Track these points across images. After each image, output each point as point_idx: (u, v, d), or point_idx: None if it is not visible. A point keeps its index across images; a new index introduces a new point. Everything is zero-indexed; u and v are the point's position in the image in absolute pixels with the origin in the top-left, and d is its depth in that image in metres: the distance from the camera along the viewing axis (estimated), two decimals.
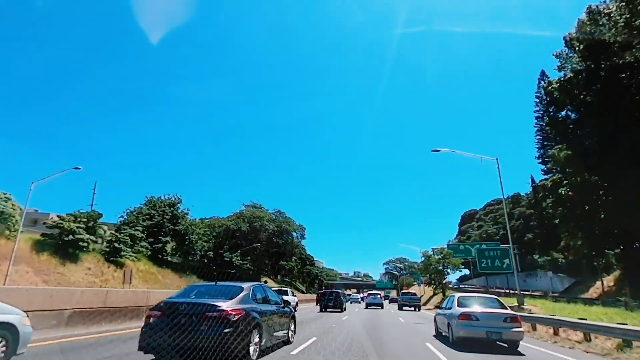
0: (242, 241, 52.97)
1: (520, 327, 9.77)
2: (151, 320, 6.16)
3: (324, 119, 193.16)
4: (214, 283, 7.80)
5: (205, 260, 46.83)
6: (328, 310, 25.73)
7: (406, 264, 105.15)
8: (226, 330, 5.89)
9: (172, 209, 42.40)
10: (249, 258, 50.80)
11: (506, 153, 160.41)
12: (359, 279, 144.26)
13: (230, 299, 6.61)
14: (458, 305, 10.68)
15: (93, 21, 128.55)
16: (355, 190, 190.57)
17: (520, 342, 9.97)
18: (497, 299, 11.28)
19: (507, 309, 10.47)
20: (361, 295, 73.57)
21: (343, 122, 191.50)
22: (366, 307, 35.58)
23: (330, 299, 26.59)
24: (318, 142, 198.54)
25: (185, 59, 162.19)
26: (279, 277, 67.66)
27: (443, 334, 12.07)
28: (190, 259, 45.98)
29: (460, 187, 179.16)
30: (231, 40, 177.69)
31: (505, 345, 10.08)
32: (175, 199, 44.21)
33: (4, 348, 5.42)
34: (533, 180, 66.51)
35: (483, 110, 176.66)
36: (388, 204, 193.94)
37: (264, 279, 54.52)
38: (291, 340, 9.19)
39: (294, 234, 66.43)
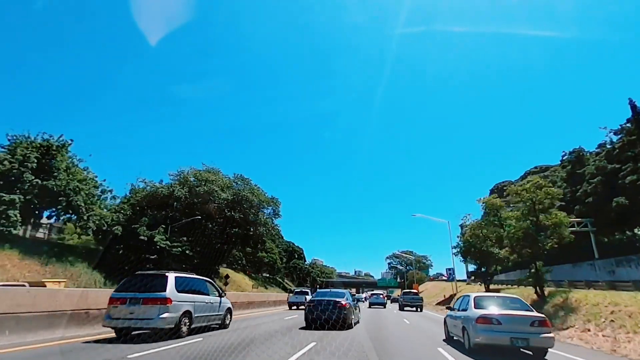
0: (181, 215, 35.45)
1: (550, 332, 8.32)
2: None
3: (323, 119, 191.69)
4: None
5: (113, 239, 30.43)
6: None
7: (412, 256, 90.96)
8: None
9: (45, 154, 26.96)
10: (185, 239, 34.26)
11: (506, 152, 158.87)
12: (359, 277, 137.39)
13: None
14: (475, 307, 9.22)
15: (92, 21, 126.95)
16: (355, 190, 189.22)
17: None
18: (520, 299, 9.80)
19: (532, 310, 9.00)
20: (364, 295, 70.28)
21: (343, 123, 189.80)
22: (370, 307, 36.75)
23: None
24: (318, 142, 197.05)
25: (185, 59, 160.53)
26: (250, 271, 57.95)
27: (455, 338, 10.67)
28: (89, 235, 31.95)
29: (461, 187, 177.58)
30: (230, 41, 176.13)
31: (530, 353, 8.65)
32: (56, 141, 28.34)
33: (229, 320, 12.79)
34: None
35: (483, 110, 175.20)
36: (388, 204, 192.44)
37: (224, 272, 43.71)
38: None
39: (266, 209, 43.03)
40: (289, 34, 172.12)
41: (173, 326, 9.15)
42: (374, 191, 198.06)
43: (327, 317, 12.36)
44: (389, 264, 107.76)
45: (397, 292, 72.53)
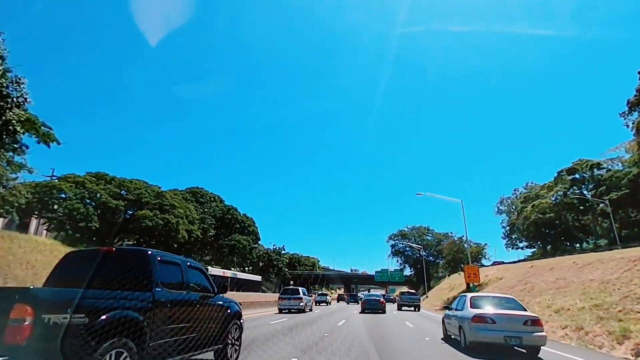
0: None
1: (543, 330, 8.70)
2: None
3: (323, 118, 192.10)
4: None
5: None
6: None
7: (428, 237, 68.57)
8: None
9: None
10: None
11: (507, 151, 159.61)
12: (350, 272, 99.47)
13: None
14: (471, 306, 9.62)
15: (92, 21, 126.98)
16: (354, 190, 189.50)
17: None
18: (514, 299, 10.21)
19: (526, 310, 9.40)
20: (361, 294, 60.25)
21: (343, 122, 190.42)
22: (362, 312, 25.86)
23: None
24: (318, 142, 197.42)
25: (185, 60, 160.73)
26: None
27: (452, 337, 11.06)
28: None
29: (463, 185, 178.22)
30: (230, 41, 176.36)
31: (524, 351, 9.03)
32: None
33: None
34: None
35: (483, 109, 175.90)
36: (389, 204, 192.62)
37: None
38: None
39: None
40: (289, 34, 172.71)
41: None
42: (373, 191, 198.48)
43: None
44: (391, 247, 75.81)
45: (399, 292, 54.48)
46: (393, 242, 75.24)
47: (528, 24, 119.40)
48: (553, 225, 46.01)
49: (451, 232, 63.91)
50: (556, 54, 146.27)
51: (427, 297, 52.23)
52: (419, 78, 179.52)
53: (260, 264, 56.69)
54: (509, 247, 63.53)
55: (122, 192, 36.57)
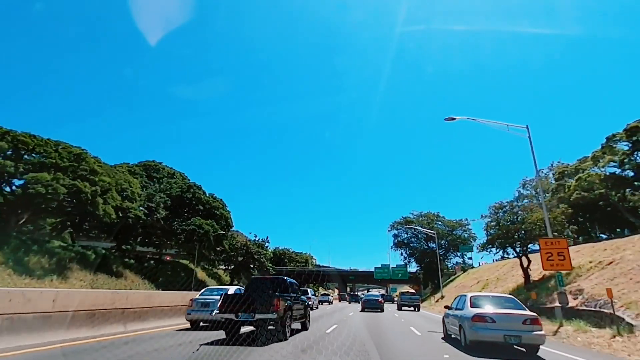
0: None
1: (542, 329, 8.85)
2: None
3: (323, 118, 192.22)
4: None
5: None
6: None
7: (439, 224, 57.69)
8: None
9: None
10: None
11: (508, 150, 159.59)
12: (348, 270, 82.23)
13: None
14: (471, 306, 9.78)
15: (91, 21, 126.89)
16: (353, 190, 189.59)
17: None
18: (514, 299, 10.38)
19: (525, 309, 9.55)
20: (361, 293, 58.24)
21: (343, 122, 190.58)
22: (363, 310, 28.32)
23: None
24: (318, 142, 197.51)
25: (183, 60, 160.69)
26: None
27: (452, 336, 11.20)
28: None
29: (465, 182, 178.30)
30: (229, 41, 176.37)
31: (524, 350, 9.17)
32: None
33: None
34: None
35: (482, 109, 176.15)
36: (388, 204, 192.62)
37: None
38: None
39: None
40: (289, 34, 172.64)
41: None
42: (373, 191, 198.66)
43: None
44: (394, 236, 62.98)
45: (399, 292, 53.05)
46: (396, 232, 62.22)
47: (529, 22, 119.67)
48: (595, 208, 34.75)
49: (466, 219, 55.03)
50: (557, 53, 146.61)
51: (442, 297, 42.53)
52: (419, 76, 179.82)
53: (240, 258, 46.14)
54: None
55: (22, 154, 25.69)
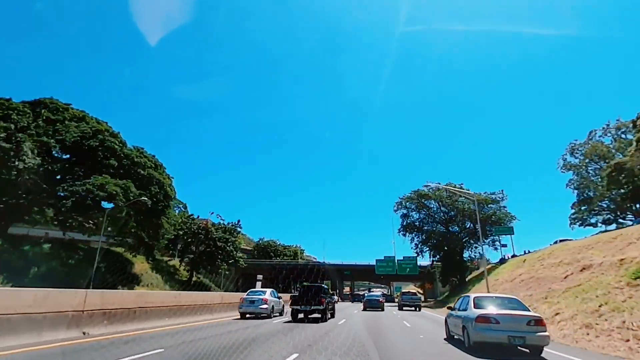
0: None
1: (546, 331, 8.78)
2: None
3: (324, 119, 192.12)
4: None
5: None
6: None
7: (462, 200, 40.79)
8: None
9: None
10: None
11: (508, 150, 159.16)
12: (343, 264, 67.27)
13: None
14: (474, 307, 9.70)
15: (91, 21, 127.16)
16: (353, 190, 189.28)
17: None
18: (518, 299, 10.31)
19: (529, 310, 9.48)
20: (363, 292, 57.14)
21: (344, 122, 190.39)
22: (364, 309, 29.33)
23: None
24: (319, 142, 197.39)
25: (185, 60, 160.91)
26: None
27: (455, 337, 11.12)
28: None
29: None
30: (229, 41, 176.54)
31: (527, 350, 9.09)
32: None
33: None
34: None
35: (482, 108, 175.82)
36: (388, 205, 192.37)
37: None
38: None
39: None
40: (289, 34, 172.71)
41: None
42: (373, 191, 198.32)
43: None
44: (402, 216, 47.02)
45: (401, 292, 48.96)
46: (405, 211, 46.35)
47: (528, 22, 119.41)
48: None
49: (501, 191, 41.29)
50: (557, 53, 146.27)
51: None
52: (419, 76, 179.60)
53: (201, 247, 36.41)
54: (577, 222, 39.13)
55: None
